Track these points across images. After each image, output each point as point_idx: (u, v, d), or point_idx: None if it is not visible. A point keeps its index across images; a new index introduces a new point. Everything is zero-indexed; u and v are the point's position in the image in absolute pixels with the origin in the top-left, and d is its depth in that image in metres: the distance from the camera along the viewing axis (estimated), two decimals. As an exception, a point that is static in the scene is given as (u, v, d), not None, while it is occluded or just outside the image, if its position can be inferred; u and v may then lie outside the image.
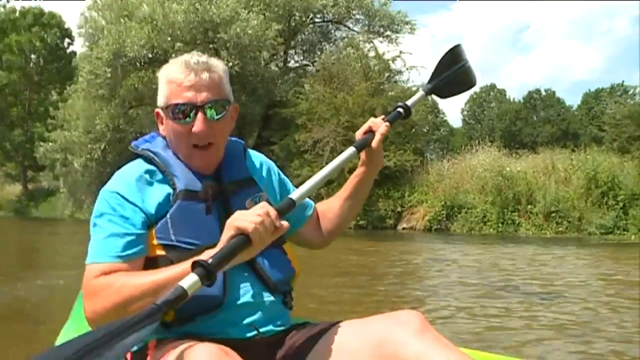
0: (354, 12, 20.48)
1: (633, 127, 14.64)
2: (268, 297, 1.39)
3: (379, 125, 1.60)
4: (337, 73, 15.63)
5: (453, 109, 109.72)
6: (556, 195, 11.26)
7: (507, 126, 47.62)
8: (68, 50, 33.86)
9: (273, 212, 1.21)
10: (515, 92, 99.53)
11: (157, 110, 1.45)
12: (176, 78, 1.37)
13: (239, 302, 1.35)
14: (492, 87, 56.55)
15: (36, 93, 33.30)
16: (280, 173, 1.66)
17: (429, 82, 1.88)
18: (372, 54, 16.38)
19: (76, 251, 9.75)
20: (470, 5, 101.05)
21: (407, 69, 16.13)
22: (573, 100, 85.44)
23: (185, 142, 1.38)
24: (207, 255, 1.15)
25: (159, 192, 1.39)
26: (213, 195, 1.40)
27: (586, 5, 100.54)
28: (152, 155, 1.42)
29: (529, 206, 11.54)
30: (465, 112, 56.09)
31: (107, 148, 19.42)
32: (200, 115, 1.36)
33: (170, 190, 1.38)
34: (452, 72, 1.92)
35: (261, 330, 1.36)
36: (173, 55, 16.37)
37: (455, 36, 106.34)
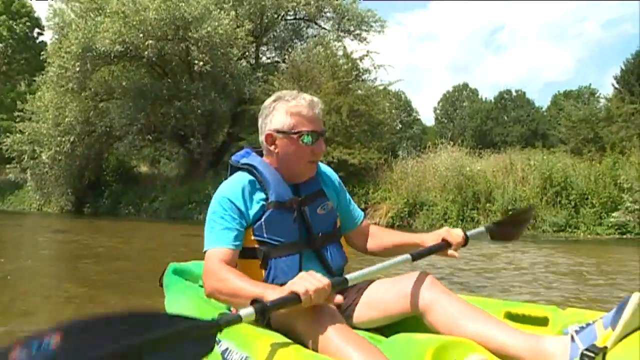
0: (324, 10, 20.73)
1: (587, 130, 15.17)
2: (325, 274, 1.82)
3: (453, 244, 2.00)
4: (305, 71, 15.83)
5: (426, 108, 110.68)
6: (513, 194, 11.63)
7: (479, 125, 48.35)
8: (38, 41, 33.26)
9: (329, 286, 1.60)
10: (488, 92, 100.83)
11: (269, 133, 1.94)
12: (303, 112, 1.91)
13: None
14: (465, 86, 57.40)
15: (3, 84, 32.67)
16: (340, 183, 2.19)
17: (495, 224, 2.35)
18: (340, 52, 16.59)
19: (42, 240, 9.85)
20: (447, 5, 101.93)
21: (374, 67, 16.44)
22: (545, 100, 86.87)
23: (305, 159, 1.94)
24: (267, 295, 1.57)
25: (256, 201, 1.92)
26: (296, 205, 1.94)
27: (560, 7, 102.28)
28: (252, 169, 1.96)
29: (488, 204, 11.89)
30: (438, 111, 56.83)
31: (77, 141, 19.30)
32: (321, 139, 1.94)
33: (264, 196, 1.92)
34: (516, 227, 2.44)
35: None
36: (145, 51, 16.41)
37: (431, 34, 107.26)
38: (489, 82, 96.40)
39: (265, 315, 1.50)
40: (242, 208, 1.89)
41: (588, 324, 1.51)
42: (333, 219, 2.07)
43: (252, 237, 1.90)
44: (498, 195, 11.79)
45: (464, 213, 11.96)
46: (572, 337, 1.49)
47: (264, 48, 22.71)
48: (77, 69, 17.16)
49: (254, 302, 1.51)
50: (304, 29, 22.46)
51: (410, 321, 1.86)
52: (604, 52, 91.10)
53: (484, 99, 53.68)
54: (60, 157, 19.46)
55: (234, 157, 2.06)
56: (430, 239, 2.03)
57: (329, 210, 2.03)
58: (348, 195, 2.20)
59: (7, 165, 22.70)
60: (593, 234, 10.47)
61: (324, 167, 2.15)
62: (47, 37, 28.81)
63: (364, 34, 20.91)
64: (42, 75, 19.67)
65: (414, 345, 1.56)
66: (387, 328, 1.94)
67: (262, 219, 1.89)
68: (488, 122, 48.32)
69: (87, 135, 19.75)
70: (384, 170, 13.82)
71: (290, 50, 20.74)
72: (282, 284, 1.70)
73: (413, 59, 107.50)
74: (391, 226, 12.56)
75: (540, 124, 46.29)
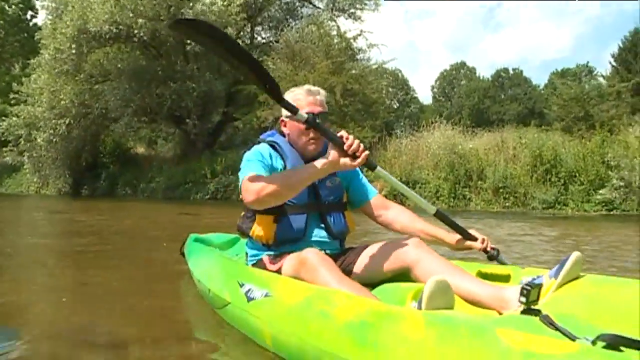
0: (319, -12, 20.66)
1: (577, 109, 15.26)
2: (330, 239, 2.43)
3: (479, 240, 2.44)
4: (299, 51, 15.86)
5: (423, 86, 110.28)
6: (504, 172, 11.77)
7: (476, 104, 48.37)
8: (31, 23, 33.03)
9: (359, 146, 2.08)
10: (486, 70, 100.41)
11: (282, 119, 2.48)
12: (301, 98, 2.38)
13: (311, 239, 2.39)
14: (462, 64, 57.26)
15: (-4, 67, 32.50)
16: (355, 170, 2.56)
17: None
18: (334, 32, 16.60)
19: (40, 219, 10.03)
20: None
21: (368, 47, 16.48)
22: (542, 78, 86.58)
23: (306, 137, 2.40)
24: (317, 163, 2.15)
25: (276, 165, 2.39)
26: None
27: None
28: (275, 144, 2.46)
29: (479, 182, 12.04)
30: (435, 90, 56.78)
31: (72, 123, 19.33)
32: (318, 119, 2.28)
33: (282, 165, 2.39)
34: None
35: (326, 251, 2.32)
36: (139, 32, 16.41)
37: (428, 12, 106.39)
38: (487, 61, 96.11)
39: (314, 124, 2.20)
40: (268, 162, 2.36)
41: (539, 276, 1.96)
42: (340, 192, 2.52)
43: None
44: (489, 172, 11.94)
45: (455, 191, 12.12)
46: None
47: (258, 28, 22.64)
48: (73, 51, 17.14)
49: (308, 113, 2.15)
50: (299, 8, 22.37)
51: (399, 278, 2.25)
52: (603, 29, 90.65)
53: (481, 78, 53.62)
54: (56, 140, 19.50)
55: (262, 135, 2.59)
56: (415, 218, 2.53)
57: (336, 184, 2.49)
58: (361, 176, 2.62)
59: (4, 149, 22.81)
60: (581, 210, 10.65)
61: None
62: (40, 19, 28.72)
63: (358, 13, 20.86)
64: (37, 57, 19.62)
65: (399, 290, 2.07)
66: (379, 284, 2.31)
67: None
68: (485, 100, 48.35)
69: (83, 118, 19.78)
70: (378, 149, 13.95)
71: (284, 30, 20.71)
72: (290, 239, 2.34)
73: (411, 37, 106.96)
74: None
75: (538, 102, 46.31)
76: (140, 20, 16.12)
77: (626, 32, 38.57)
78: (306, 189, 2.29)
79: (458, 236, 2.44)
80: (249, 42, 21.94)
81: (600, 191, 10.43)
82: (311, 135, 2.37)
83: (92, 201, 17.18)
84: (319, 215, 2.42)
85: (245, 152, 2.45)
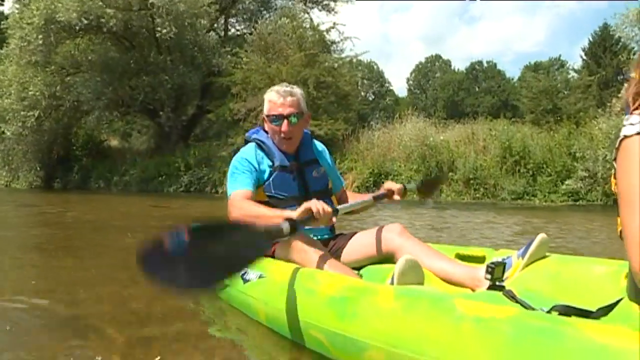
0: (293, -20, 20.61)
1: (546, 101, 15.54)
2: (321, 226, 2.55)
3: (395, 190, 2.70)
4: (272, 43, 15.84)
5: (399, 79, 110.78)
6: (475, 164, 11.95)
7: (450, 96, 48.77)
8: (-1, 13, 32.26)
9: (329, 210, 2.18)
10: (461, 63, 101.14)
11: (263, 116, 2.66)
12: (273, 99, 2.58)
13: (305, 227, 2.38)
14: (438, 57, 57.65)
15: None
16: (332, 159, 2.87)
17: (421, 181, 3.24)
18: (307, 24, 16.60)
19: (8, 212, 9.90)
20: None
21: (342, 39, 16.52)
22: (517, 72, 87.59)
23: (278, 135, 2.58)
24: (293, 215, 2.13)
25: (264, 165, 2.58)
26: (295, 168, 2.62)
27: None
28: (260, 142, 2.63)
29: (450, 173, 12.20)
30: (410, 82, 57.08)
31: (43, 116, 19.01)
32: (285, 121, 2.55)
33: (270, 164, 2.58)
34: (433, 187, 3.43)
35: (317, 237, 2.57)
36: (109, 23, 16.21)
37: (404, 5, 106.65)
38: (462, 54, 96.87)
39: (297, 229, 2.04)
40: (256, 166, 2.56)
41: (509, 257, 2.18)
42: (325, 180, 2.76)
43: (263, 193, 2.56)
44: (460, 164, 12.10)
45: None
46: None
47: (232, 20, 22.53)
48: (40, 41, 16.84)
49: (288, 219, 2.00)
50: (273, 0, 22.32)
51: (384, 262, 2.49)
52: (576, 24, 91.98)
53: (456, 70, 54.08)
54: (26, 133, 19.17)
55: (247, 134, 2.76)
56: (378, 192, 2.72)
57: (322, 173, 2.72)
58: (334, 168, 2.88)
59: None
60: (548, 201, 10.87)
61: (319, 144, 2.85)
62: (7, 7, 28.04)
63: (332, 4, 20.89)
64: (5, 48, 19.21)
65: (380, 271, 2.37)
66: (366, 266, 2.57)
67: (270, 179, 2.57)
68: (460, 92, 48.80)
69: (54, 110, 19.48)
70: (351, 141, 14.04)
71: (258, 22, 20.63)
72: None
73: (386, 30, 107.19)
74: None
75: (511, 95, 46.88)
76: (109, 11, 15.90)
77: (596, 26, 39.22)
78: (295, 182, 2.61)
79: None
80: (222, 34, 21.82)
81: (566, 182, 10.65)
82: (282, 135, 2.58)
83: (64, 194, 16.96)
84: None
85: (234, 153, 2.67)
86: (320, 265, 2.24)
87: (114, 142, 26.24)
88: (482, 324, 1.41)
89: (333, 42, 16.58)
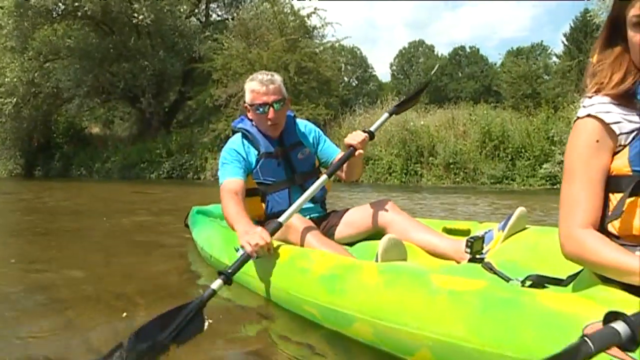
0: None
1: (525, 86, 15.67)
2: (312, 204, 2.78)
3: (356, 144, 2.60)
4: (253, 29, 15.76)
5: (382, 64, 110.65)
6: (454, 148, 12.06)
7: (433, 81, 48.75)
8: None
9: (267, 237, 2.20)
10: (445, 49, 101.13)
11: (245, 105, 2.75)
12: (256, 88, 2.65)
13: None
14: (421, 43, 57.62)
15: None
16: (318, 133, 2.92)
17: (396, 106, 3.02)
18: (288, 9, 16.52)
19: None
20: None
21: (322, 25, 16.46)
22: (501, 57, 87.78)
23: (264, 123, 2.67)
24: (240, 233, 2.28)
25: (251, 154, 2.70)
26: (280, 154, 2.72)
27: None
28: (245, 132, 2.72)
29: (431, 158, 12.30)
30: (394, 67, 57.04)
31: (21, 103, 18.76)
32: (271, 108, 2.64)
33: (256, 152, 2.69)
34: (413, 98, 3.15)
35: (311, 215, 2.73)
36: (84, 7, 16.00)
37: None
38: (446, 39, 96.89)
39: (230, 281, 2.12)
40: (244, 155, 2.67)
41: (490, 230, 2.29)
42: (312, 160, 2.84)
43: (253, 180, 2.68)
44: (440, 149, 12.20)
45: (407, 167, 12.36)
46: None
47: (214, 5, 22.31)
48: (12, 26, 16.52)
49: (220, 273, 2.10)
50: (254, -15, 22.11)
51: (376, 236, 2.55)
52: (559, 9, 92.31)
53: (440, 56, 54.12)
54: (4, 120, 18.95)
55: (233, 123, 2.86)
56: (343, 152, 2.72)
57: (307, 155, 2.80)
58: (325, 140, 2.92)
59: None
60: (527, 185, 11.01)
61: (304, 123, 2.92)
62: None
63: (314, -10, 20.77)
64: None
65: (370, 247, 2.48)
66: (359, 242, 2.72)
67: (258, 167, 2.69)
68: (443, 78, 48.86)
69: (33, 97, 19.23)
70: (332, 126, 14.07)
71: (240, 7, 20.48)
72: (278, 212, 2.52)
73: (371, 15, 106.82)
74: (338, 181, 12.88)
75: (494, 80, 47.02)
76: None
77: (577, 12, 39.41)
78: (282, 167, 2.73)
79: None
80: (204, 19, 21.62)
81: (544, 166, 10.79)
82: (269, 122, 2.68)
83: (45, 182, 16.83)
84: (299, 187, 2.73)
85: (222, 144, 2.80)
86: (313, 245, 2.38)
87: (96, 130, 26.03)
88: (454, 296, 1.55)
89: (314, 28, 16.52)
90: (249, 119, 2.78)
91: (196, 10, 21.13)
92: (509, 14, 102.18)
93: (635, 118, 1.38)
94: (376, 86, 50.75)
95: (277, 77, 2.72)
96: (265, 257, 2.29)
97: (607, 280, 1.37)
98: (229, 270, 2.13)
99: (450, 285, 1.61)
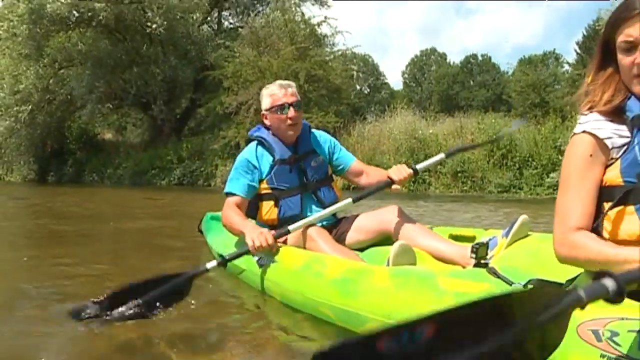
0: (286, -27, 20.55)
1: (534, 95, 15.68)
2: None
3: (397, 180, 2.75)
4: (264, 37, 15.92)
5: (394, 72, 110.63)
6: (462, 157, 12.08)
7: (445, 89, 48.78)
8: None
9: (270, 239, 2.50)
10: (457, 57, 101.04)
11: (263, 113, 2.88)
12: (275, 92, 2.82)
13: (308, 214, 2.77)
14: (433, 50, 57.59)
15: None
16: (333, 143, 3.06)
17: (455, 149, 3.09)
18: (298, 18, 16.66)
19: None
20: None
21: (333, 33, 16.61)
22: (513, 65, 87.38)
23: (285, 124, 2.80)
24: (247, 232, 2.57)
25: (266, 161, 2.82)
26: (294, 161, 2.84)
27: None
28: (262, 139, 2.85)
29: (439, 167, 12.31)
30: (406, 75, 57.03)
31: (36, 110, 19.03)
32: (292, 108, 2.79)
33: (271, 158, 2.81)
34: (475, 147, 3.75)
35: (323, 223, 2.80)
36: (99, 15, 16.25)
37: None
38: (458, 47, 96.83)
39: (225, 264, 2.50)
40: (256, 164, 2.80)
41: (494, 237, 2.39)
42: (324, 167, 2.96)
43: (267, 185, 2.82)
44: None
45: (415, 175, 12.38)
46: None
47: (226, 13, 22.52)
48: (26, 32, 16.77)
49: (220, 256, 2.43)
50: (266, -7, 22.29)
51: (385, 242, 2.72)
52: (572, 17, 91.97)
53: (451, 64, 54.05)
54: (19, 126, 19.22)
55: (249, 132, 3.00)
56: (384, 175, 2.84)
57: (320, 162, 2.92)
58: (340, 149, 3.06)
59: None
60: (534, 194, 11.01)
61: (319, 133, 3.04)
62: None
63: (324, -1, 20.85)
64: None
65: (380, 253, 2.61)
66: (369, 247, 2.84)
67: (272, 173, 2.82)
68: (454, 86, 48.80)
69: (47, 104, 19.50)
70: (342, 134, 14.15)
71: (252, 15, 20.66)
72: (290, 217, 2.75)
73: (383, 22, 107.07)
74: (347, 188, 12.96)
75: (506, 89, 46.90)
76: (97, 5, 15.89)
77: (590, 20, 39.26)
78: (295, 173, 2.85)
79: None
80: (216, 27, 21.82)
81: (551, 175, 10.79)
82: (289, 122, 2.81)
83: (58, 187, 17.07)
84: (311, 193, 2.87)
85: (233, 151, 2.97)
86: (326, 251, 2.52)
87: (108, 136, 26.30)
88: (460, 297, 1.67)
89: (325, 36, 16.65)
90: (265, 127, 2.91)
91: (208, 18, 21.34)
92: (521, 21, 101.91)
93: (625, 132, 1.51)
94: (388, 94, 50.73)
95: (293, 83, 2.92)
96: (267, 256, 2.55)
97: None
98: (227, 257, 2.46)
99: (456, 287, 1.76)
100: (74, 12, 16.11)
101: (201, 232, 3.90)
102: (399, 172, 2.74)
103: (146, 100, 19.05)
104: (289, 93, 2.82)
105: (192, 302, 2.47)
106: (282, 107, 2.78)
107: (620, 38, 1.49)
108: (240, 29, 20.25)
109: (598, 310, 1.31)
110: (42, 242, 4.73)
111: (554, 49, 47.21)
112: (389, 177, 2.72)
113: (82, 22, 17.29)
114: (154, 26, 16.40)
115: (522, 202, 10.00)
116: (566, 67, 32.79)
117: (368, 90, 50.23)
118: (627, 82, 1.53)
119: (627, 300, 1.33)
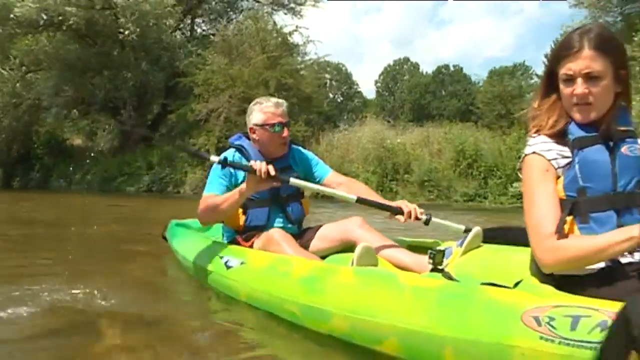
0: (259, -18, 20.66)
1: (500, 106, 16.07)
2: (289, 224, 2.98)
3: (405, 212, 2.77)
4: (236, 45, 15.96)
5: (368, 81, 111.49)
6: (429, 166, 12.31)
7: (417, 99, 49.35)
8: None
9: (272, 171, 2.60)
10: (430, 66, 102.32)
11: (251, 127, 2.95)
12: (271, 110, 2.91)
13: (273, 226, 2.88)
14: (406, 60, 58.23)
15: None
16: (310, 157, 3.14)
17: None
18: (270, 26, 16.75)
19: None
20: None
21: (305, 42, 16.72)
22: (484, 76, 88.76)
23: (276, 142, 2.92)
24: (244, 186, 2.70)
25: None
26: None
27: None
28: (242, 148, 2.95)
29: (406, 175, 12.54)
30: (379, 84, 57.53)
31: (1, 113, 18.70)
32: (285, 128, 2.92)
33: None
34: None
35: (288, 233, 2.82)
36: (69, 20, 16.06)
37: (375, 6, 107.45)
38: (431, 57, 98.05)
39: (225, 164, 2.71)
40: (232, 170, 2.87)
41: (450, 246, 2.51)
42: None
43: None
44: (415, 167, 12.44)
45: (383, 183, 12.58)
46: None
47: (199, 20, 22.47)
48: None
49: (225, 158, 2.72)
50: (239, 1, 22.35)
51: (346, 251, 2.81)
52: (542, 29, 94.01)
53: (424, 73, 54.72)
54: (-18, 130, 18.87)
55: (230, 139, 3.07)
56: (371, 191, 3.05)
57: (294, 178, 2.89)
58: (317, 162, 3.14)
59: None
60: (498, 202, 11.27)
61: (297, 149, 3.12)
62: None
63: (298, 8, 20.99)
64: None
65: (343, 259, 2.71)
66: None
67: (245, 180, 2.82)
68: (426, 95, 49.40)
69: (14, 108, 19.17)
70: (311, 143, 14.24)
71: (224, 22, 20.64)
72: (255, 226, 2.89)
73: (357, 31, 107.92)
74: (316, 197, 13.04)
75: (476, 99, 47.64)
76: (69, 9, 15.73)
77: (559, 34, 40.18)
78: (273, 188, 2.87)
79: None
80: (189, 34, 21.76)
81: (515, 184, 11.05)
82: (281, 141, 2.94)
83: (23, 193, 16.79)
84: (279, 206, 2.97)
85: (219, 154, 2.97)
86: (291, 254, 2.62)
87: (78, 141, 25.94)
88: (418, 291, 1.86)
89: (296, 45, 16.75)
90: (246, 137, 3.02)
91: (181, 25, 21.26)
92: (494, 33, 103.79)
93: (567, 153, 1.74)
94: (361, 102, 51.17)
95: (285, 103, 3.03)
96: (234, 258, 2.71)
97: (544, 281, 1.74)
98: (229, 161, 2.72)
99: (414, 282, 1.94)
100: (43, 15, 15.88)
101: (165, 238, 3.93)
102: (411, 209, 2.76)
103: (115, 105, 18.87)
104: (282, 113, 2.94)
105: (157, 305, 2.55)
106: (275, 126, 2.89)
107: (562, 71, 1.72)
108: (212, 36, 20.23)
109: (539, 300, 1.55)
110: (1, 248, 4.69)
111: (524, 61, 48.18)
112: (399, 207, 2.76)
113: (50, 26, 17.07)
114: (126, 32, 16.27)
115: (486, 211, 10.21)
116: (535, 78, 33.47)
117: (341, 98, 50.56)
118: (568, 109, 1.76)
119: (560, 292, 1.62)
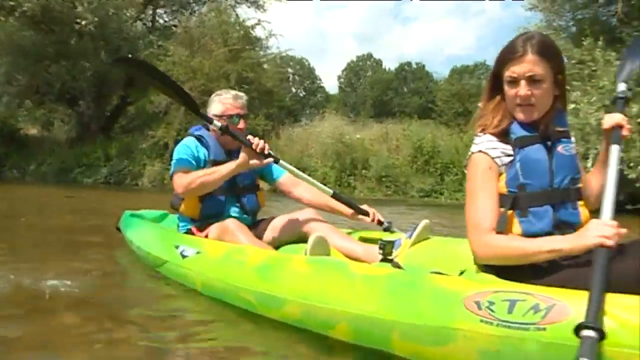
0: (222, -26, 20.43)
1: (458, 104, 16.45)
2: (244, 215, 3.08)
3: (371, 215, 3.14)
4: (197, 37, 15.85)
5: (331, 76, 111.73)
6: (387, 162, 12.53)
7: (379, 95, 49.76)
8: None
9: (267, 149, 2.82)
10: (393, 63, 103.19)
11: (211, 116, 2.99)
12: (230, 101, 3.03)
13: (229, 215, 2.98)
14: (369, 56, 58.65)
15: None
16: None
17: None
18: (232, 19, 16.67)
19: None
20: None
21: (266, 37, 16.71)
22: (446, 74, 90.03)
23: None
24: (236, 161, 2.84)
25: (201, 155, 2.98)
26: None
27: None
28: (201, 137, 3.04)
29: (364, 171, 12.73)
30: (342, 80, 57.77)
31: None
32: (242, 120, 3.03)
33: (206, 154, 3.01)
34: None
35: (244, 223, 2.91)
36: (22, 6, 15.59)
37: (339, 3, 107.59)
38: (395, 54, 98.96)
39: (226, 131, 2.88)
40: (195, 153, 2.97)
41: (399, 238, 2.65)
42: (253, 176, 3.14)
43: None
44: (373, 162, 12.64)
45: (341, 178, 12.75)
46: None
47: (160, 11, 22.10)
48: None
49: (220, 126, 2.87)
50: (202, -8, 22.08)
51: (299, 242, 2.92)
52: (503, 30, 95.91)
53: (387, 70, 55.20)
54: None
55: (190, 130, 3.16)
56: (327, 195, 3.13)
57: (250, 171, 3.00)
58: (275, 166, 3.15)
59: None
60: (453, 199, 11.57)
61: None
62: None
63: (261, 1, 20.90)
64: None
65: (296, 249, 2.86)
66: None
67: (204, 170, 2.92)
68: (388, 92, 49.86)
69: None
70: (271, 137, 14.29)
71: (186, 14, 20.42)
72: (211, 215, 2.96)
73: (322, 26, 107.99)
74: (273, 191, 13.12)
75: (438, 96, 48.33)
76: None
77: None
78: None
79: (352, 210, 3.09)
80: (150, 24, 21.43)
81: (468, 181, 11.37)
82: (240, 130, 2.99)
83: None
84: (235, 197, 3.06)
85: (162, 151, 3.14)
86: (245, 244, 2.70)
87: (33, 131, 25.23)
88: (367, 279, 1.97)
89: (258, 39, 16.73)
90: (206, 129, 3.09)
91: (142, 15, 20.92)
92: (456, 32, 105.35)
93: (510, 151, 1.88)
94: (323, 98, 51.30)
95: (245, 96, 3.14)
96: (190, 247, 2.77)
97: (486, 271, 1.87)
98: (225, 128, 2.85)
99: (364, 271, 2.06)
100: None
101: (119, 229, 3.96)
102: (375, 214, 3.07)
103: (72, 95, 18.46)
104: (241, 105, 3.04)
105: (109, 290, 2.62)
106: (233, 117, 2.99)
107: (507, 73, 1.84)
108: (174, 28, 19.96)
109: (480, 286, 1.70)
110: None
111: (485, 60, 49.02)
112: (366, 210, 3.07)
113: (1, 10, 16.49)
114: (84, 22, 15.91)
115: (442, 207, 10.48)
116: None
117: (304, 93, 50.61)
118: (511, 110, 1.90)
119: (500, 279, 1.77)
